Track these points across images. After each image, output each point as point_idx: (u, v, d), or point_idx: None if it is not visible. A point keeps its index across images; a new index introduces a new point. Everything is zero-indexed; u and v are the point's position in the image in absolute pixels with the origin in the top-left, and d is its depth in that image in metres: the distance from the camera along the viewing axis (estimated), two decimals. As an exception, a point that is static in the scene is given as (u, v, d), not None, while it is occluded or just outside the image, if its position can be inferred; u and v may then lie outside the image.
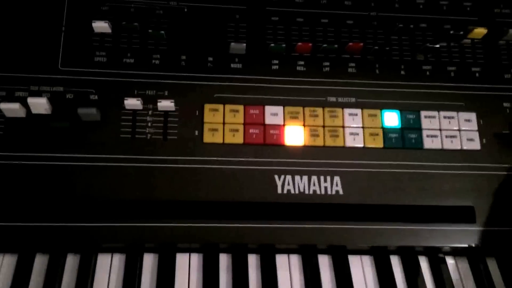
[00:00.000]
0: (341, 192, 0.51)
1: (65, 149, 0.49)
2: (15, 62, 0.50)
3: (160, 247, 0.50)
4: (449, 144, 0.53)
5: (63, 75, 0.51)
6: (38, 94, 0.49)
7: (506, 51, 0.58)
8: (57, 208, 0.47)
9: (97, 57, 0.52)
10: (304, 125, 0.53)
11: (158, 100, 0.50)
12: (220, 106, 0.52)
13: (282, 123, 0.52)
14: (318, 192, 0.51)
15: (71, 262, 0.49)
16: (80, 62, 0.51)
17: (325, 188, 0.51)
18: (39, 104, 0.46)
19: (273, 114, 0.52)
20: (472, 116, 0.55)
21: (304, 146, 0.52)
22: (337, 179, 0.51)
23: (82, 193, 0.48)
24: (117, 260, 0.49)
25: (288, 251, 0.51)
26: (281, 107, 0.53)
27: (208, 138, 0.51)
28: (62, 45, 0.51)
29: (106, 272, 0.49)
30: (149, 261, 0.50)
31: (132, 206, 0.48)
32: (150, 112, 0.51)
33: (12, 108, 0.46)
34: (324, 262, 0.51)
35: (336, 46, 0.54)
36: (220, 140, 0.51)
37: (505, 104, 0.56)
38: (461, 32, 0.57)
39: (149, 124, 0.51)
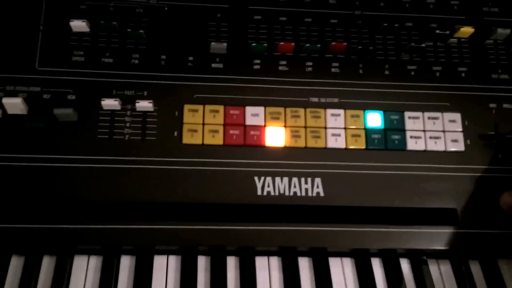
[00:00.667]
0: (322, 193, 0.51)
1: (41, 150, 0.49)
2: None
3: (138, 249, 0.50)
4: (433, 146, 0.53)
5: (40, 75, 0.51)
6: (14, 94, 0.49)
7: (493, 50, 0.58)
8: (32, 209, 0.47)
9: (75, 56, 0.52)
10: (285, 126, 0.53)
11: (136, 101, 0.50)
12: (200, 107, 0.52)
13: (263, 124, 0.52)
14: (298, 193, 0.51)
15: (47, 264, 0.49)
16: (57, 62, 0.51)
17: (306, 189, 0.51)
18: (14, 104, 0.46)
19: (253, 114, 0.52)
20: (457, 116, 0.55)
21: (285, 147, 0.52)
22: (318, 180, 0.51)
23: (58, 195, 0.48)
24: (94, 262, 0.50)
25: (268, 253, 0.51)
26: (262, 108, 0.53)
27: (187, 139, 0.51)
28: (39, 45, 0.51)
29: (83, 274, 0.49)
30: (126, 263, 0.50)
31: (110, 208, 0.49)
32: (128, 113, 0.51)
33: (-13, 109, 0.46)
34: (304, 264, 0.51)
35: (319, 45, 0.54)
36: (199, 141, 0.51)
37: (491, 105, 0.56)
38: (447, 32, 0.57)
39: (127, 125, 0.51)
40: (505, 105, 0.56)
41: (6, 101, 0.46)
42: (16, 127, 0.49)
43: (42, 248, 0.49)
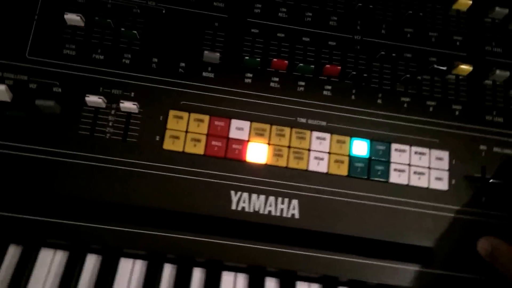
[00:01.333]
0: (297, 216, 0.51)
1: (19, 139, 0.49)
2: (-19, 46, 0.51)
3: (104, 249, 0.50)
4: (416, 181, 0.53)
5: (29, 64, 0.51)
6: (1, 80, 0.49)
7: (491, 91, 0.58)
8: (2, 197, 0.47)
9: (66, 49, 0.52)
10: (268, 144, 0.53)
11: (121, 101, 0.50)
12: (185, 114, 0.52)
13: (246, 139, 0.52)
14: (273, 213, 0.51)
15: (13, 252, 0.49)
16: (48, 53, 0.52)
17: (281, 210, 0.51)
18: (-2, 91, 0.47)
19: (238, 128, 0.53)
20: (445, 154, 0.54)
21: (266, 165, 0.52)
22: (295, 202, 0.51)
23: (29, 185, 0.48)
24: (60, 257, 0.50)
25: (236, 269, 0.51)
26: (248, 122, 0.53)
27: (168, 145, 0.51)
28: (32, 34, 0.52)
29: (46, 267, 0.49)
30: (91, 262, 0.50)
31: (79, 204, 0.49)
32: (112, 112, 0.51)
33: (-31, 92, 0.46)
34: (271, 286, 0.51)
35: (312, 66, 0.54)
36: (180, 149, 0.51)
37: (481, 147, 0.55)
38: (445, 67, 0.57)
39: (110, 124, 0.51)
40: (495, 149, 0.56)
41: (-11, 87, 0.46)
42: (-4, 113, 0.49)
43: (8, 237, 0.49)
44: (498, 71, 0.57)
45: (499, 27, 0.60)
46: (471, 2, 0.59)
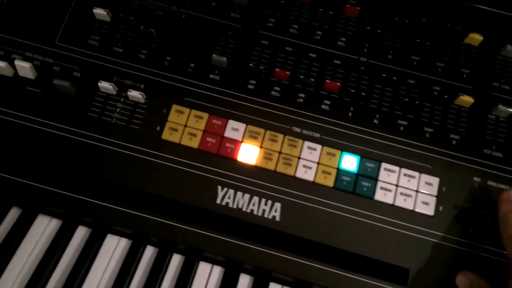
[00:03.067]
0: (277, 218, 0.55)
1: (33, 112, 0.57)
2: (20, 28, 0.60)
3: (95, 223, 0.55)
4: (401, 202, 0.55)
5: (57, 49, 0.60)
6: (30, 60, 0.58)
7: (493, 126, 0.59)
8: (10, 162, 0.55)
9: (91, 40, 0.60)
10: (261, 147, 0.57)
11: (129, 90, 0.56)
12: (187, 110, 0.58)
13: (240, 139, 0.57)
14: (255, 212, 0.55)
15: (13, 215, 0.56)
16: (75, 41, 0.60)
17: (263, 210, 0.55)
18: (23, 68, 0.55)
19: (234, 129, 0.58)
20: (435, 181, 0.56)
21: (255, 166, 0.57)
22: (277, 205, 0.55)
23: (36, 155, 0.56)
24: (54, 224, 0.56)
25: (213, 261, 0.55)
26: (244, 125, 0.58)
27: (166, 135, 0.57)
28: (64, 23, 0.60)
29: (39, 234, 0.55)
30: (81, 233, 0.56)
31: (77, 178, 0.55)
32: (121, 100, 0.58)
33: (1, 66, 0.54)
34: (244, 282, 0.54)
35: (312, 80, 0.59)
36: (176, 140, 0.57)
37: (475, 179, 0.57)
38: (446, 96, 0.59)
39: (117, 110, 0.58)
40: (490, 183, 0.57)
41: (17, 63, 0.55)
42: (20, 87, 0.57)
43: (12, 199, 0.56)
44: (501, 107, 0.59)
45: (509, 65, 0.62)
46: (482, 38, 0.62)
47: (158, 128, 0.58)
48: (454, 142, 0.59)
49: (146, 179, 0.56)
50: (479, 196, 0.56)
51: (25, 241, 0.55)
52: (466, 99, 0.59)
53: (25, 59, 0.59)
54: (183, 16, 0.62)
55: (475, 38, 0.62)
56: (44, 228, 0.56)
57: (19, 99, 0.58)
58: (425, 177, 0.57)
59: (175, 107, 0.58)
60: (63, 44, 0.60)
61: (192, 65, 0.60)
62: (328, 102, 0.60)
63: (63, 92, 0.58)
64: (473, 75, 0.62)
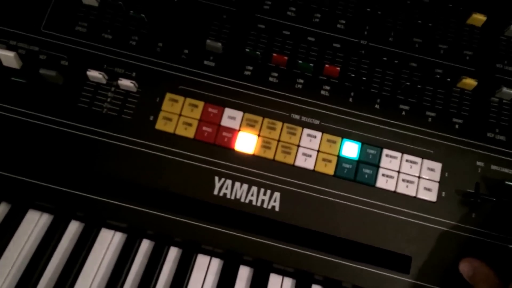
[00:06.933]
0: (277, 208, 0.58)
1: (20, 104, 0.60)
2: (2, 15, 0.62)
3: (88, 218, 0.59)
4: (404, 189, 0.59)
5: (43, 36, 0.63)
6: (14, 48, 0.61)
7: (496, 109, 0.63)
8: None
9: (79, 27, 0.63)
10: (258, 135, 0.61)
11: (119, 78, 0.59)
12: (181, 98, 0.61)
13: (237, 128, 0.61)
14: (254, 203, 0.58)
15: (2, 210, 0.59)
16: (61, 28, 0.63)
17: (262, 200, 0.58)
18: (7, 57, 0.58)
19: (231, 117, 0.61)
20: (438, 166, 0.60)
21: (253, 155, 0.60)
22: (277, 195, 0.59)
23: (24, 148, 0.59)
24: (45, 219, 0.59)
25: (211, 254, 0.60)
26: (241, 113, 0.61)
27: (160, 125, 0.60)
28: (50, 9, 0.63)
29: (30, 229, 0.58)
30: (74, 228, 0.59)
31: (67, 172, 0.59)
32: (112, 89, 0.61)
33: (-18, 56, 0.57)
34: (244, 274, 0.58)
35: (311, 65, 0.62)
36: (171, 130, 0.60)
37: (478, 163, 0.61)
38: (449, 79, 0.63)
39: (108, 100, 0.61)
40: (493, 167, 0.61)
41: (1, 52, 0.58)
42: (4, 78, 0.60)
43: (0, 195, 0.59)
44: (505, 89, 0.63)
45: (513, 46, 0.66)
46: (485, 18, 0.65)
47: (151, 118, 0.61)
48: (457, 126, 0.62)
49: (140, 171, 0.59)
50: (482, 181, 0.60)
51: (15, 238, 0.59)
52: (469, 82, 0.63)
53: (9, 48, 0.61)
54: (175, 0, 0.65)
55: (478, 18, 0.66)
56: (35, 223, 0.59)
57: (4, 90, 0.61)
58: (428, 163, 0.61)
59: (168, 95, 0.62)
60: (49, 31, 0.63)
61: (186, 51, 0.63)
62: (328, 88, 0.63)
63: (50, 82, 0.61)
64: (476, 57, 0.65)
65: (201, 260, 0.59)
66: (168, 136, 0.60)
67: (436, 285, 0.57)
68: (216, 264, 0.59)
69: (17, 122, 0.60)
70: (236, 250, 0.58)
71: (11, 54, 0.58)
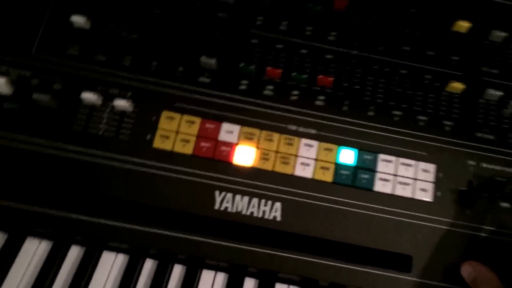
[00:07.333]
0: (279, 218, 0.59)
1: (14, 130, 0.60)
2: (-8, 41, 0.63)
3: (88, 241, 0.59)
4: (401, 191, 0.61)
5: (34, 60, 0.63)
6: (6, 74, 0.61)
7: (484, 110, 0.66)
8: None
9: (71, 49, 0.63)
10: (257, 147, 0.62)
11: (115, 99, 0.60)
12: (178, 115, 0.63)
13: (235, 142, 0.62)
14: (255, 214, 0.59)
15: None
16: (53, 51, 0.64)
17: (264, 211, 0.59)
18: (-2, 83, 0.58)
19: (228, 131, 0.62)
20: (431, 167, 0.62)
21: (252, 168, 0.61)
22: (278, 205, 0.60)
23: (18, 175, 0.59)
24: (44, 246, 0.59)
25: (216, 268, 0.60)
26: (238, 126, 0.63)
27: (158, 143, 0.61)
28: (40, 32, 0.64)
29: (30, 256, 0.58)
30: (75, 253, 0.60)
31: (66, 196, 0.59)
32: (107, 110, 0.62)
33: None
34: (250, 286, 0.59)
35: (305, 76, 0.64)
36: (169, 148, 0.61)
37: (469, 162, 0.63)
38: (438, 84, 0.65)
39: (104, 121, 0.62)
40: (483, 164, 0.63)
41: (-10, 79, 0.58)
42: (-4, 105, 0.61)
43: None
44: (491, 90, 0.65)
45: (497, 49, 0.68)
46: (470, 24, 0.68)
47: (148, 137, 0.61)
48: (447, 128, 0.65)
49: (139, 190, 0.60)
50: (475, 178, 0.62)
51: (14, 267, 0.58)
52: (457, 86, 0.66)
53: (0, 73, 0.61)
54: (167, 19, 0.66)
55: (463, 25, 0.68)
56: (34, 251, 0.59)
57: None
58: (422, 165, 0.63)
59: (165, 113, 0.62)
60: (41, 55, 0.63)
61: (180, 68, 0.65)
62: (322, 98, 0.65)
63: (44, 106, 0.61)
64: (462, 62, 0.68)
65: (206, 276, 0.60)
66: (166, 153, 0.61)
67: (438, 281, 0.58)
68: (221, 278, 0.60)
69: (11, 149, 0.60)
70: (240, 262, 0.58)
71: (1, 80, 0.59)
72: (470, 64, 0.68)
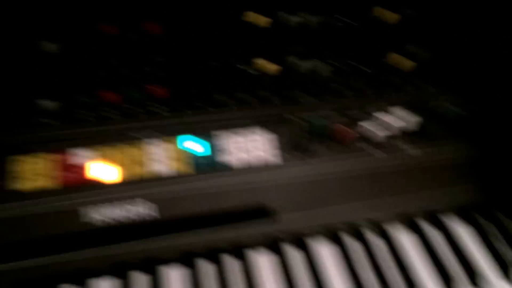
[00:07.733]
0: (155, 214, 0.65)
1: None
2: None
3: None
4: (256, 162, 0.70)
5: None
6: None
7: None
8: None
9: None
10: (111, 161, 0.67)
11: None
12: (23, 157, 0.65)
13: (86, 162, 0.66)
14: (133, 218, 0.65)
15: None
16: None
17: (141, 215, 0.65)
18: None
19: (78, 155, 0.65)
20: (270, 135, 0.71)
21: (115, 182, 0.66)
22: (150, 205, 0.65)
23: None
24: None
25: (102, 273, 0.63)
26: (87, 149, 0.67)
27: (10, 186, 0.62)
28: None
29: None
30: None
31: None
32: None
33: None
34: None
35: (137, 92, 0.71)
36: (23, 187, 0.63)
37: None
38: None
39: None
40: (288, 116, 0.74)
41: None
42: None
43: None
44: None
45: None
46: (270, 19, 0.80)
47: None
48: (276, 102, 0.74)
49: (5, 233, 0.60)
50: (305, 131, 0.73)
51: None
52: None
53: None
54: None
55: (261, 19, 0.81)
56: None
57: None
58: (262, 134, 0.72)
59: (10, 158, 0.65)
60: None
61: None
62: (153, 104, 0.72)
63: None
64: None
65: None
66: (22, 193, 0.63)
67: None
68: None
69: None
70: (123, 260, 0.63)
71: None
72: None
